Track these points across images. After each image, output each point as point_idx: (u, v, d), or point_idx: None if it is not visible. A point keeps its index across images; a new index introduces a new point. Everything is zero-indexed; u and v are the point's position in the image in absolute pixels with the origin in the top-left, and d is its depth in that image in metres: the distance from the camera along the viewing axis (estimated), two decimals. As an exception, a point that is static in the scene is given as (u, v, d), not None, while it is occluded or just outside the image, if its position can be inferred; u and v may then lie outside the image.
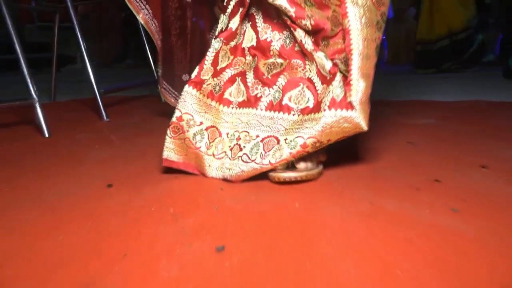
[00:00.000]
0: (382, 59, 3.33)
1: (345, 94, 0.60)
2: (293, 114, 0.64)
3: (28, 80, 1.05)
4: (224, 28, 0.72)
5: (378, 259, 0.40)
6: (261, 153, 0.63)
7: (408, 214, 0.50)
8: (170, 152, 0.67)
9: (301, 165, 0.63)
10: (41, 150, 0.92)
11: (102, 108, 1.29)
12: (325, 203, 0.55)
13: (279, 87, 0.67)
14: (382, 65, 3.20)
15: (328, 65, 0.63)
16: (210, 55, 0.70)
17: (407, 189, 0.59)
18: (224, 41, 0.70)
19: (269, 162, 0.62)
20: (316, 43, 0.64)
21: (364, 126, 0.59)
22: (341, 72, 0.63)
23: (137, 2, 1.01)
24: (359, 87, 0.60)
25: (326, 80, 0.63)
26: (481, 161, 0.70)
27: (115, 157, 0.83)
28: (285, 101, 0.66)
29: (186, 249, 0.43)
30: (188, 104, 0.67)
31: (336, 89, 0.60)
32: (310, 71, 0.66)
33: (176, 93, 1.13)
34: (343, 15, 0.64)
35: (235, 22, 0.70)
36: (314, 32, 0.64)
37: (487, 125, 1.01)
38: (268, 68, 0.69)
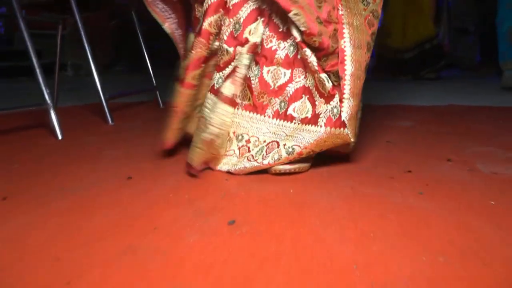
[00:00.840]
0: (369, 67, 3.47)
1: (340, 114, 0.69)
2: (294, 123, 0.72)
3: (43, 87, 1.14)
4: (236, 33, 0.73)
5: (356, 228, 0.51)
6: (263, 154, 0.73)
7: (382, 196, 0.62)
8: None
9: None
10: (58, 150, 1.01)
11: (107, 112, 1.38)
12: (315, 189, 0.66)
13: (285, 98, 0.73)
14: (368, 72, 3.33)
15: (329, 86, 0.69)
16: (241, 71, 0.73)
17: (383, 178, 0.70)
18: (252, 54, 0.73)
19: (268, 163, 0.72)
20: (318, 58, 0.70)
21: (351, 138, 0.70)
22: (332, 83, 0.71)
23: (163, 12, 0.99)
24: (350, 105, 0.70)
25: (324, 96, 0.71)
26: (447, 155, 0.82)
27: (128, 155, 0.93)
28: (290, 111, 0.72)
29: (204, 223, 0.53)
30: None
31: (333, 109, 0.69)
32: (309, 80, 0.72)
33: None
34: (340, 34, 0.70)
35: (257, 35, 0.72)
36: (318, 50, 0.68)
37: (457, 126, 1.14)
38: (273, 77, 0.73)
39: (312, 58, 0.69)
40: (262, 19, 0.72)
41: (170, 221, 0.55)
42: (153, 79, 1.84)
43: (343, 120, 0.69)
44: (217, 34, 0.76)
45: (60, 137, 1.13)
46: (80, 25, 1.33)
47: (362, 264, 0.42)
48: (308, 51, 0.69)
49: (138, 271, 0.42)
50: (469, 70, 3.05)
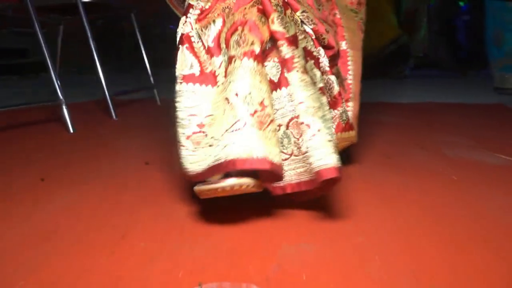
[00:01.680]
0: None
1: (348, 117, 0.68)
2: None
3: (56, 84, 1.23)
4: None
5: (345, 198, 0.63)
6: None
7: (366, 173, 0.74)
8: None
9: None
10: (75, 142, 1.11)
11: (112, 108, 1.48)
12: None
13: None
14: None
15: (336, 89, 0.65)
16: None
17: (366, 161, 0.83)
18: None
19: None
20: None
21: (356, 139, 0.72)
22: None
23: (180, 5, 0.87)
24: (354, 105, 0.73)
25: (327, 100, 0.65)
26: (421, 144, 0.96)
27: (140, 146, 1.03)
28: None
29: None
30: None
31: (342, 115, 0.68)
32: None
33: None
34: (340, 37, 0.71)
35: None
36: (327, 48, 0.66)
37: (430, 120, 1.28)
38: None
39: (324, 59, 0.65)
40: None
41: (193, 195, 0.66)
42: (151, 78, 1.94)
43: (351, 123, 0.69)
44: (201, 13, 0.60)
45: (71, 131, 1.23)
46: (86, 25, 1.43)
47: (350, 218, 0.54)
48: (322, 51, 0.64)
49: (174, 225, 0.54)
50: (449, 70, 3.22)
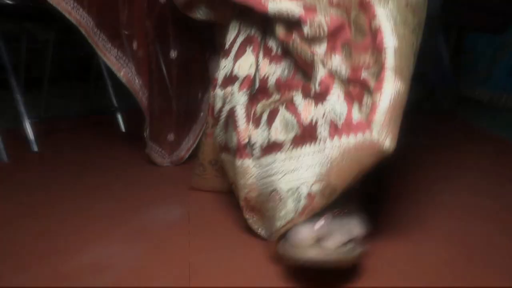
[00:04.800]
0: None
1: (350, 112, 0.48)
2: (282, 151, 0.54)
3: (112, 95, 1.62)
4: (228, 74, 0.65)
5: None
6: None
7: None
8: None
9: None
10: (133, 136, 1.49)
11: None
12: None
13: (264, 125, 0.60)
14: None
15: (322, 73, 0.51)
16: (241, 113, 0.61)
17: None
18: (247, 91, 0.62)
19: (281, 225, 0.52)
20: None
21: (386, 145, 0.46)
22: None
23: (118, 59, 0.97)
24: (395, 88, 0.46)
25: (310, 92, 0.53)
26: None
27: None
28: (273, 137, 0.55)
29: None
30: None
31: (334, 109, 0.49)
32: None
33: (163, 151, 1.08)
34: (372, 15, 0.50)
35: (247, 67, 0.63)
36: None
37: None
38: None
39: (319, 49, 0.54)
40: (251, 47, 0.63)
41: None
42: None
43: (360, 120, 0.47)
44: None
45: (123, 130, 1.61)
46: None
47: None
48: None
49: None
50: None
